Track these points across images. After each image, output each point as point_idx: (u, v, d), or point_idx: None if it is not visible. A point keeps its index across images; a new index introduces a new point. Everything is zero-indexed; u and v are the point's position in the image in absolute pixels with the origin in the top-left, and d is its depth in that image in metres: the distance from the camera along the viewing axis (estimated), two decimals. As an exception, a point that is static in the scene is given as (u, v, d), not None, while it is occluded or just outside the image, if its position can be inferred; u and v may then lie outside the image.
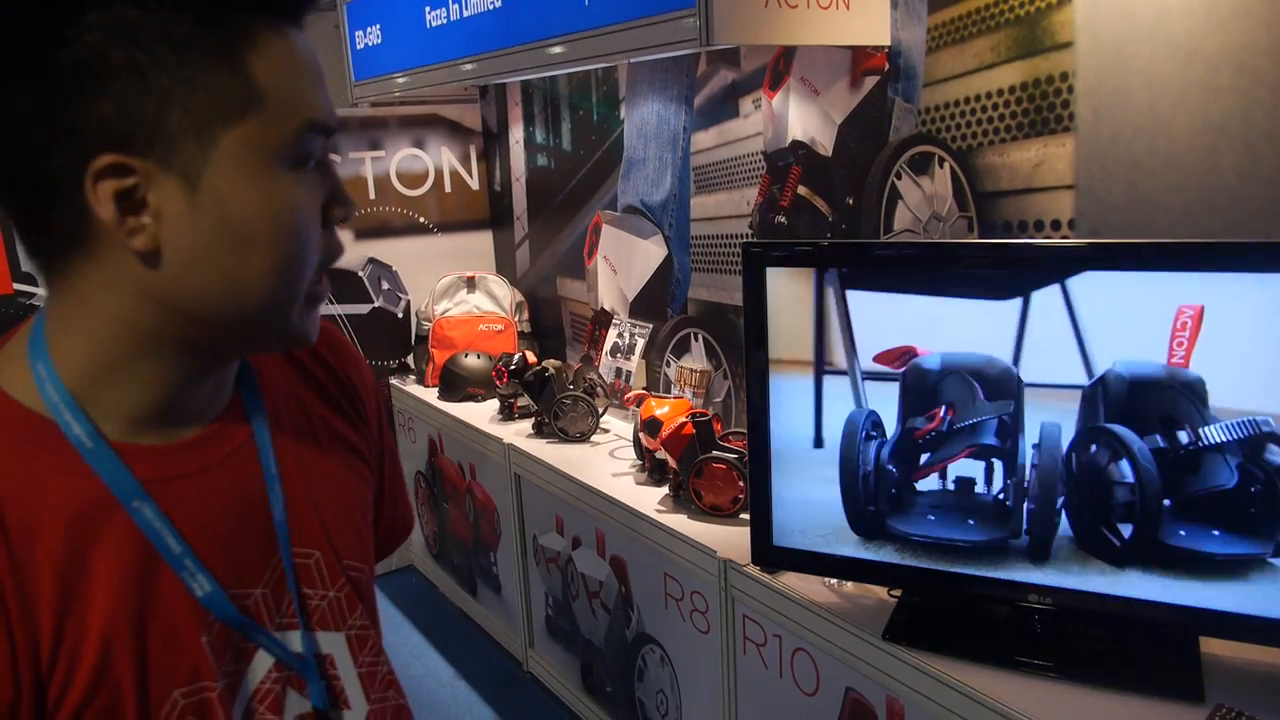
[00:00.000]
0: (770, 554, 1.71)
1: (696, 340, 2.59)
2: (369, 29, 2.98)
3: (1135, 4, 1.47)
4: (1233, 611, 1.33)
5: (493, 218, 3.55)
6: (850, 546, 1.59)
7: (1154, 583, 1.36)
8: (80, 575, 0.67)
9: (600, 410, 2.67)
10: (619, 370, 2.82)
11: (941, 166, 1.82)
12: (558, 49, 2.05)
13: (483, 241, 3.56)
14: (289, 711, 0.76)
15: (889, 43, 1.86)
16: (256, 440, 0.78)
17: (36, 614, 0.65)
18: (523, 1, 2.16)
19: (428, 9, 2.58)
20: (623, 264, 2.84)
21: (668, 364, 2.71)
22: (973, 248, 1.46)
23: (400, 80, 2.84)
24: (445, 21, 2.51)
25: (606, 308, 2.96)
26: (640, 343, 2.76)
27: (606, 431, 2.70)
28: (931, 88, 1.81)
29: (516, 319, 3.35)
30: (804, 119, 2.11)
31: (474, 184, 3.50)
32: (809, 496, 1.61)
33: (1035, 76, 1.63)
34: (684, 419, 2.12)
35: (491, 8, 2.28)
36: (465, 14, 2.40)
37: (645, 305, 2.78)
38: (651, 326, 2.73)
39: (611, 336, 2.87)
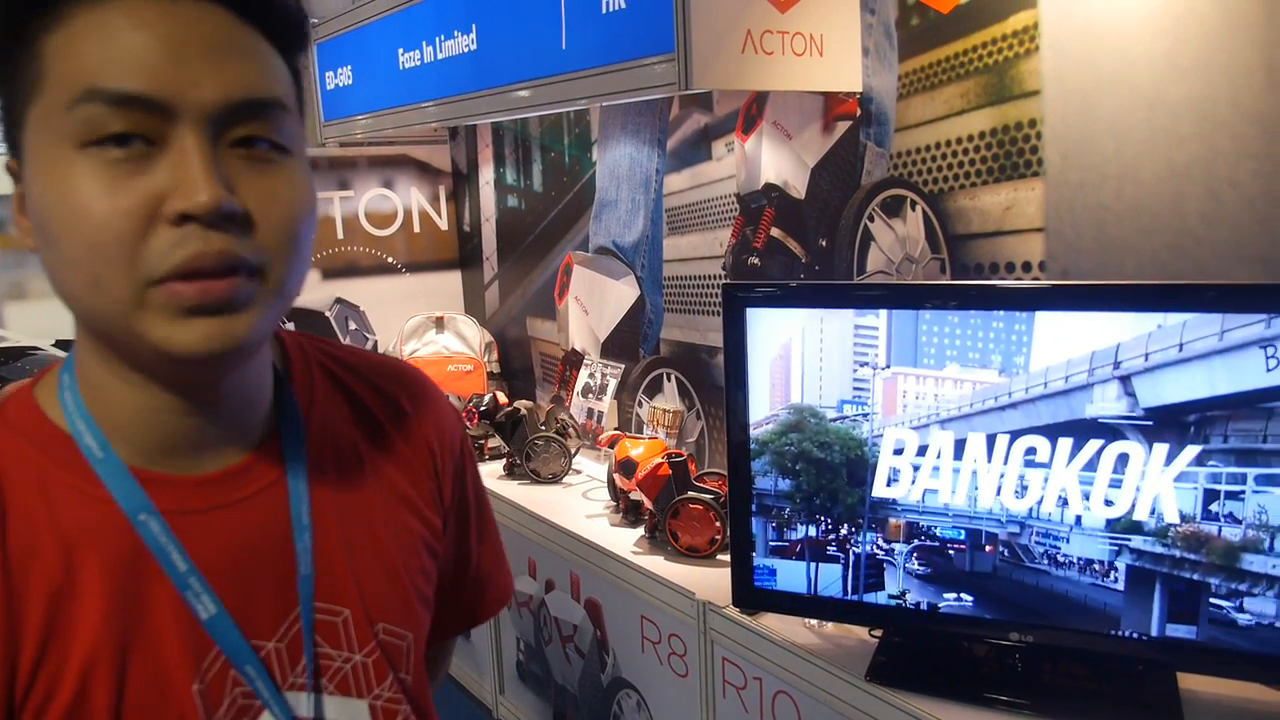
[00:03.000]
0: (751, 596, 1.70)
1: (669, 380, 2.59)
2: (339, 70, 2.98)
3: (1100, 54, 1.52)
4: (1210, 645, 1.35)
5: (461, 258, 3.54)
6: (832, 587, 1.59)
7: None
8: (71, 599, 0.64)
9: (573, 451, 2.66)
10: (590, 411, 2.81)
11: (914, 209, 1.85)
12: (532, 92, 2.07)
13: (451, 282, 3.55)
14: None
15: (861, 89, 1.90)
16: (289, 484, 0.73)
17: (21, 637, 0.63)
18: (498, 44, 2.18)
19: (401, 50, 2.60)
20: (594, 304, 2.85)
21: (640, 404, 2.71)
22: (945, 289, 1.49)
23: (367, 121, 2.84)
24: (419, 63, 2.52)
25: (577, 348, 2.96)
26: (612, 383, 2.76)
27: (579, 473, 2.68)
28: (903, 133, 1.85)
29: (486, 359, 3.33)
30: (777, 162, 2.14)
31: (443, 224, 3.49)
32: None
33: (1004, 123, 1.67)
34: (659, 459, 2.11)
35: (467, 50, 2.30)
36: (439, 56, 2.42)
37: (617, 346, 2.78)
38: (623, 367, 2.73)
39: (583, 377, 2.87)
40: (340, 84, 2.99)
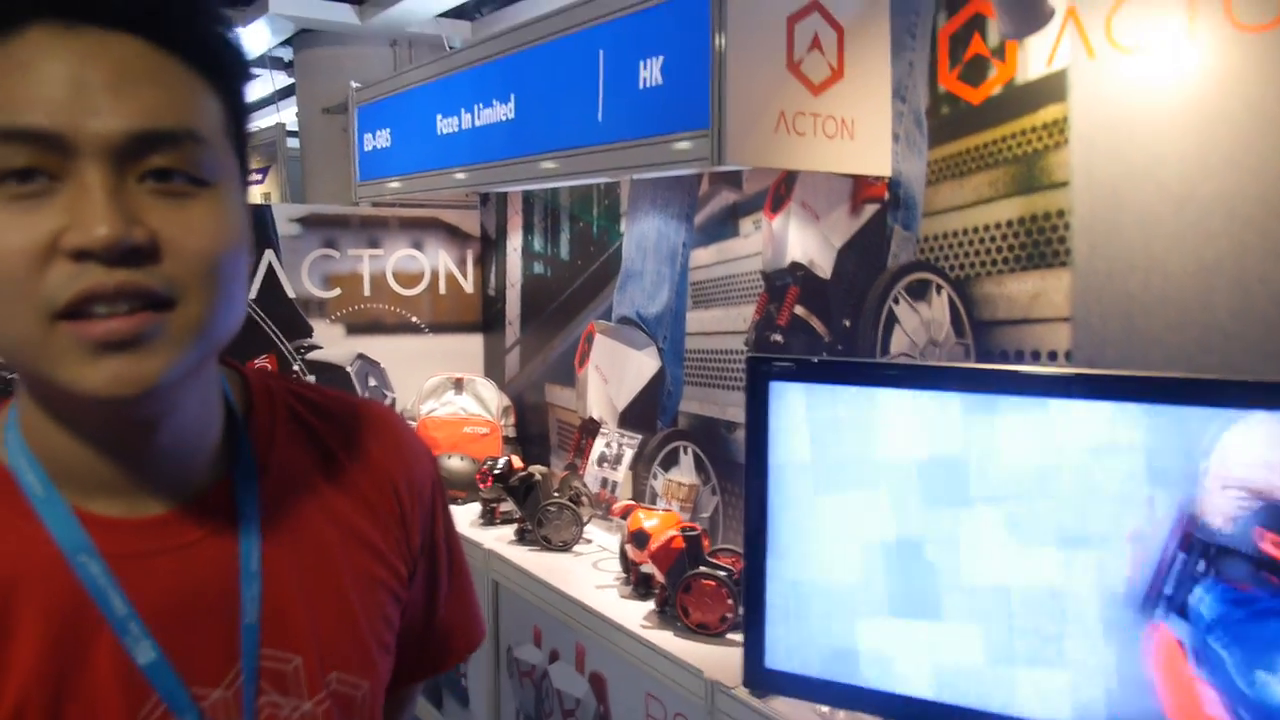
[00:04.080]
0: (762, 677, 1.66)
1: (685, 453, 2.58)
2: (379, 132, 3.06)
3: (1129, 149, 1.54)
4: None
5: (484, 321, 3.57)
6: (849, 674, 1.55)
7: None
8: (4, 639, 0.63)
9: (585, 520, 2.63)
10: (605, 480, 2.79)
11: (939, 294, 1.86)
12: (565, 162, 2.11)
13: (473, 344, 3.57)
14: None
15: (890, 173, 1.92)
16: (240, 529, 0.71)
17: None
18: (536, 114, 2.24)
19: (439, 116, 2.66)
20: (614, 374, 2.85)
21: (655, 476, 2.69)
22: (969, 371, 1.48)
23: (401, 184, 2.90)
24: (456, 129, 2.58)
25: (595, 416, 2.96)
26: (628, 453, 2.74)
27: (589, 542, 2.65)
28: (931, 218, 1.87)
29: (503, 423, 3.33)
30: (803, 241, 2.16)
31: (468, 287, 3.53)
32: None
33: (1033, 212, 1.69)
34: (674, 532, 2.09)
35: (505, 119, 2.36)
36: (477, 123, 2.48)
37: (635, 416, 2.78)
38: (640, 438, 2.72)
39: (599, 446, 2.86)
40: (378, 146, 3.06)
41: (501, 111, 2.36)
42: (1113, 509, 1.31)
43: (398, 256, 3.40)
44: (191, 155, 0.61)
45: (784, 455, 1.56)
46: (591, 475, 2.85)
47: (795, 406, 1.54)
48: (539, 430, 3.32)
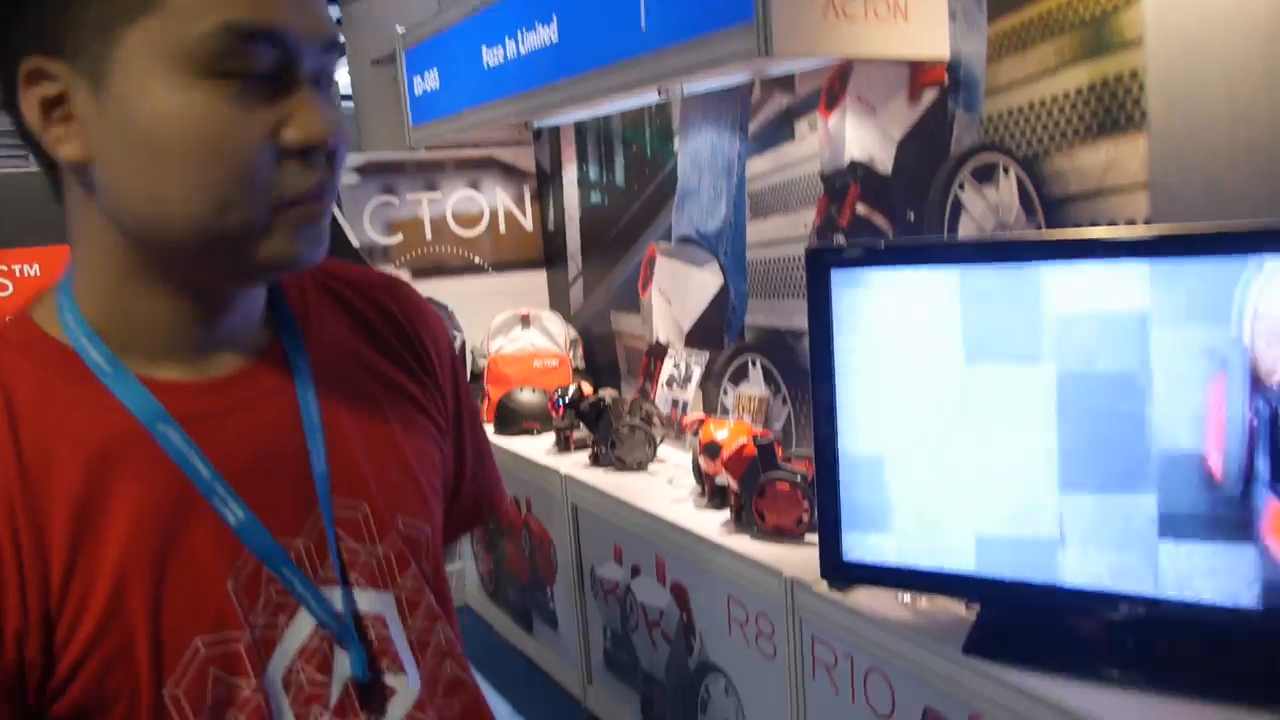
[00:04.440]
0: (840, 569, 1.65)
1: (754, 366, 2.57)
2: (427, 74, 3.06)
3: (1206, -5, 1.45)
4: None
5: (547, 256, 3.59)
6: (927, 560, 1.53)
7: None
8: (98, 511, 0.65)
9: (658, 440, 2.65)
10: (675, 401, 2.80)
11: (1007, 174, 1.79)
12: (611, 77, 2.09)
13: (537, 280, 3.59)
14: (338, 676, 0.72)
15: (948, 55, 1.85)
16: (297, 387, 0.75)
17: (48, 548, 0.64)
18: (580, 31, 2.21)
19: (485, 48, 2.65)
20: (678, 294, 2.84)
21: (725, 392, 2.69)
22: (1038, 242, 1.42)
23: (454, 122, 2.90)
24: (502, 60, 2.57)
25: (662, 340, 2.96)
26: (697, 372, 2.74)
27: (663, 461, 2.67)
28: (994, 96, 1.80)
29: (571, 355, 3.35)
30: (861, 138, 2.10)
31: (528, 224, 3.55)
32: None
33: (1104, 76, 1.61)
34: (745, 440, 2.08)
35: (550, 43, 2.33)
36: (522, 51, 2.46)
37: (701, 335, 2.77)
38: (708, 355, 2.72)
39: (667, 368, 2.86)
40: (428, 88, 3.07)
41: (545, 35, 2.34)
42: (1179, 381, 1.26)
43: (456, 198, 3.42)
44: (335, 62, 0.69)
45: (849, 344, 1.54)
46: (662, 398, 2.86)
47: (857, 294, 1.51)
48: (608, 359, 3.33)
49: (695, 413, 2.73)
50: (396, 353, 0.83)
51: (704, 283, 2.71)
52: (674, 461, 2.67)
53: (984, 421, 1.45)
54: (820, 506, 1.64)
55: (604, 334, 3.32)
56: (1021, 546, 1.45)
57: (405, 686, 0.76)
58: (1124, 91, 1.58)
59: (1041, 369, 1.37)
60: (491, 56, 2.62)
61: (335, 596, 0.73)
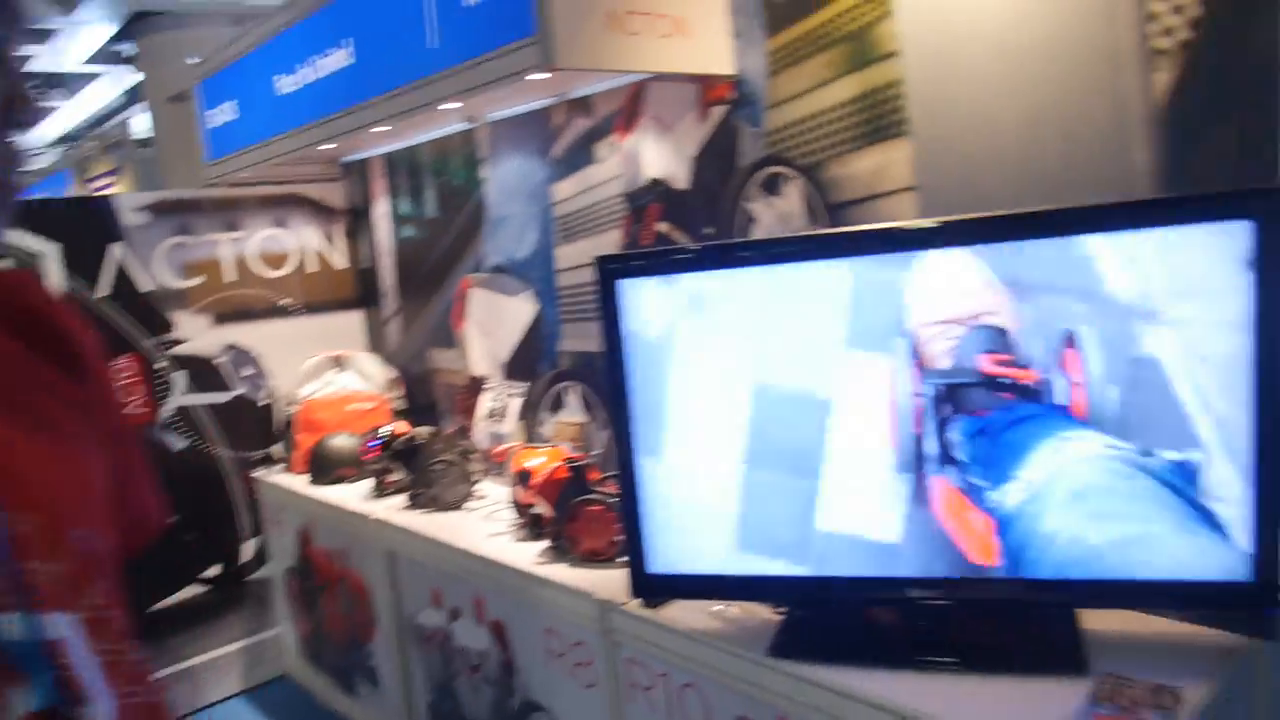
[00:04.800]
0: (647, 585, 1.62)
1: (571, 394, 2.53)
2: (223, 105, 2.92)
3: (950, 6, 1.54)
4: (1106, 579, 1.32)
5: (361, 296, 3.45)
6: (729, 564, 1.52)
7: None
8: None
9: (476, 476, 2.56)
10: (495, 435, 2.72)
11: (790, 184, 1.84)
12: (404, 98, 2.03)
13: (352, 321, 3.45)
14: (14, 711, 0.63)
15: (733, 71, 1.90)
16: None
17: None
18: (373, 53, 2.15)
19: (279, 76, 2.55)
20: (493, 326, 2.78)
21: (544, 422, 2.63)
22: (811, 239, 1.46)
23: (252, 154, 2.77)
24: (299, 87, 2.47)
25: (479, 374, 2.88)
26: (515, 403, 2.68)
27: (484, 498, 2.58)
28: (775, 109, 1.85)
29: (390, 397, 3.22)
30: (658, 156, 2.13)
31: (340, 263, 3.41)
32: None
33: (869, 87, 1.68)
34: (557, 464, 2.04)
35: (345, 64, 2.26)
36: (317, 75, 2.37)
37: (519, 365, 2.71)
38: (525, 385, 2.66)
39: (485, 402, 2.78)
40: (224, 120, 2.92)
41: (339, 58, 2.27)
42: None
43: (260, 237, 3.25)
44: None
45: (642, 352, 1.53)
46: (482, 432, 2.78)
47: (645, 301, 1.50)
48: (428, 398, 3.22)
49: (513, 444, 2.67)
50: (54, 358, 0.77)
51: (518, 312, 2.66)
52: (495, 497, 2.58)
53: (767, 426, 1.46)
54: (624, 521, 1.61)
55: (423, 372, 3.21)
56: (811, 543, 1.46)
57: (94, 717, 0.67)
58: (888, 101, 1.66)
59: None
60: (287, 84, 2.52)
61: (12, 622, 0.64)
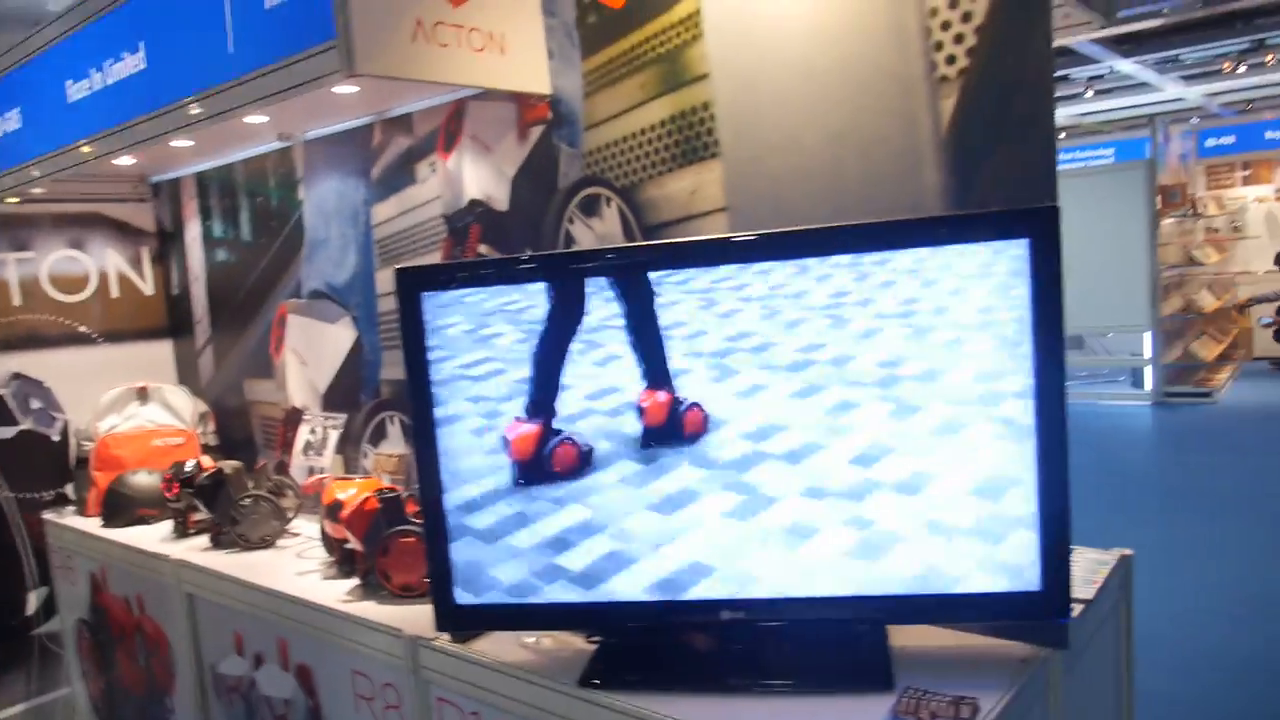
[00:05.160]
0: (454, 617, 1.54)
1: (393, 424, 2.42)
2: (7, 114, 2.67)
3: (757, 30, 1.56)
4: (905, 595, 1.33)
5: (172, 325, 3.22)
6: (537, 592, 1.46)
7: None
8: None
9: (289, 512, 2.40)
10: (313, 469, 2.57)
11: (609, 205, 1.83)
12: (202, 105, 1.91)
13: (161, 351, 3.21)
14: None
15: (550, 91, 1.88)
16: None
17: None
18: (168, 58, 2.01)
19: (69, 82, 2.36)
20: (312, 354, 2.64)
21: (365, 455, 2.51)
22: (610, 252, 1.44)
23: (40, 167, 2.54)
24: (89, 93, 2.29)
25: (298, 405, 2.73)
26: (333, 436, 2.54)
27: (297, 535, 2.42)
28: (592, 130, 1.83)
29: (200, 431, 3.01)
30: (479, 177, 2.07)
31: (147, 289, 3.17)
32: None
33: (681, 108, 1.69)
34: (367, 495, 1.93)
35: (137, 70, 2.10)
36: (109, 82, 2.20)
37: (339, 395, 2.58)
38: (344, 417, 2.53)
39: (303, 434, 2.63)
40: (8, 129, 2.67)
41: (132, 63, 2.11)
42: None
43: (54, 259, 2.99)
44: None
45: (447, 370, 1.46)
46: (299, 466, 2.62)
47: (449, 316, 1.44)
48: (244, 433, 3.02)
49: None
50: None
51: (338, 339, 2.53)
52: (309, 534, 2.43)
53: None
54: (428, 550, 1.52)
55: (238, 405, 3.02)
56: (620, 568, 1.42)
57: None
58: (699, 122, 1.67)
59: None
60: (77, 90, 2.33)
61: None
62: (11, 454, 2.90)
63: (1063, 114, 11.66)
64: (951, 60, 1.37)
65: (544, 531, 1.44)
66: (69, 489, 3.01)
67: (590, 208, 1.86)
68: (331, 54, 1.60)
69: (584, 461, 1.41)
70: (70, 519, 2.86)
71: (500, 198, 2.04)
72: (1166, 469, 6.28)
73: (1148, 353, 8.48)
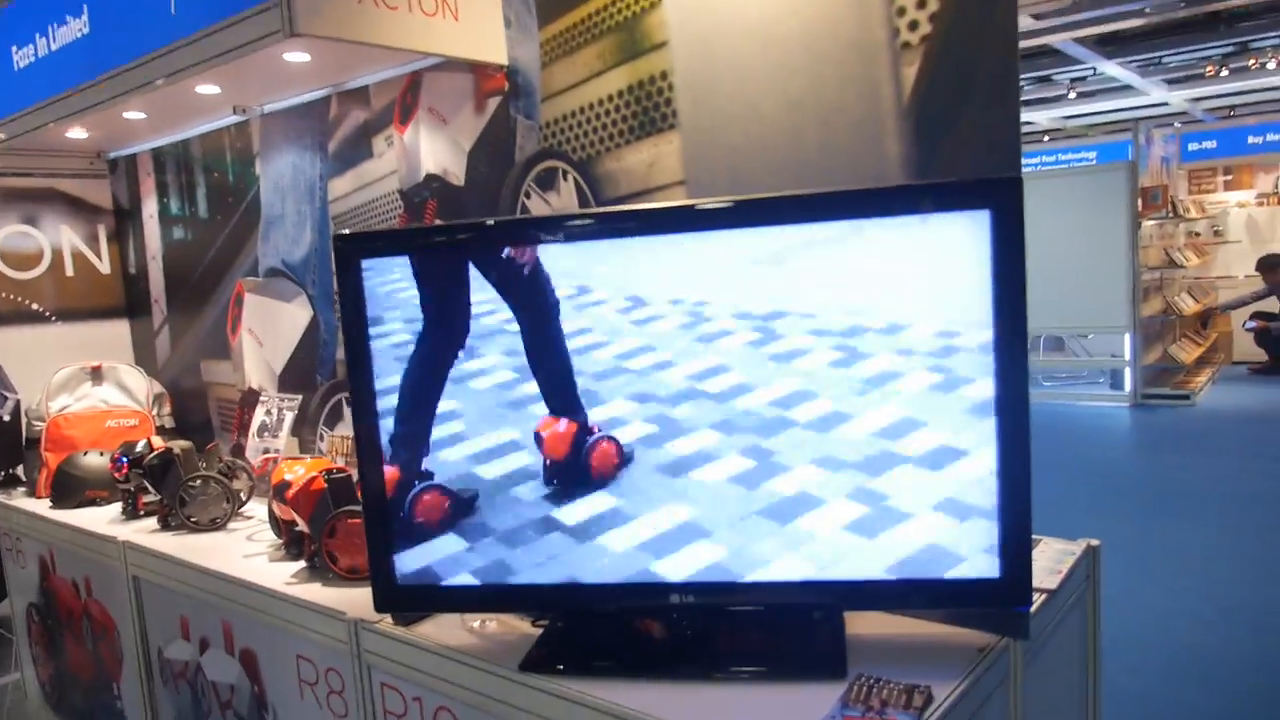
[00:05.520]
0: (394, 597, 1.48)
1: (349, 406, 2.35)
2: (-46, 83, 2.59)
3: (715, -3, 1.51)
4: (860, 580, 1.29)
5: (129, 304, 3.14)
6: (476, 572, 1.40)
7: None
8: None
9: (242, 495, 2.34)
10: (268, 450, 2.51)
11: (566, 179, 1.77)
12: (144, 69, 1.84)
13: (118, 330, 3.13)
14: None
15: (506, 61, 1.82)
16: None
17: None
18: (110, 21, 1.94)
19: (14, 49, 2.28)
20: (268, 333, 2.58)
21: (321, 437, 2.44)
22: (561, 219, 1.38)
23: (-10, 135, 2.47)
24: (33, 59, 2.22)
25: (254, 386, 2.66)
26: (289, 417, 2.48)
27: (250, 519, 2.36)
28: (549, 101, 1.78)
29: (155, 413, 2.93)
30: (435, 150, 2.02)
31: (104, 267, 3.10)
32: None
33: (639, 78, 1.64)
34: (315, 475, 1.87)
35: (80, 35, 2.03)
36: (53, 47, 2.13)
37: (294, 376, 2.51)
38: (300, 398, 2.47)
39: (259, 416, 2.56)
40: (-44, 99, 2.59)
41: (76, 27, 2.04)
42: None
43: (5, 234, 2.91)
44: None
45: (389, 338, 1.40)
46: (254, 449, 2.55)
47: (393, 282, 1.38)
48: (201, 415, 2.95)
49: (286, 461, 2.46)
50: None
51: (294, 318, 2.47)
52: (262, 517, 2.37)
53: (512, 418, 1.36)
54: (367, 527, 1.46)
55: (195, 387, 2.94)
56: (567, 550, 1.36)
57: None
58: (658, 92, 1.61)
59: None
60: (22, 57, 2.25)
61: None
62: (-41, 434, 2.82)
63: (1045, 116, 11.71)
64: (914, 26, 1.33)
65: (495, 508, 1.39)
66: (19, 470, 2.93)
67: (547, 181, 1.80)
68: (273, 13, 1.54)
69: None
70: (19, 500, 2.78)
71: (457, 172, 1.98)
72: (1142, 470, 6.28)
73: (1128, 354, 8.49)
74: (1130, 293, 8.17)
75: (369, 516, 1.45)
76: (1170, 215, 9.05)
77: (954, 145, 1.32)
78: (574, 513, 1.35)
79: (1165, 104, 11.03)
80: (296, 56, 1.84)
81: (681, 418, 1.29)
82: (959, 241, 1.20)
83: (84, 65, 2.03)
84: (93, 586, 2.44)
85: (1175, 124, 11.60)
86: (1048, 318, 8.26)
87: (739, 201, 1.27)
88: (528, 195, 1.84)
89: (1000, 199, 1.19)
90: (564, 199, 1.78)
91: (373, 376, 1.39)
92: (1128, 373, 8.53)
